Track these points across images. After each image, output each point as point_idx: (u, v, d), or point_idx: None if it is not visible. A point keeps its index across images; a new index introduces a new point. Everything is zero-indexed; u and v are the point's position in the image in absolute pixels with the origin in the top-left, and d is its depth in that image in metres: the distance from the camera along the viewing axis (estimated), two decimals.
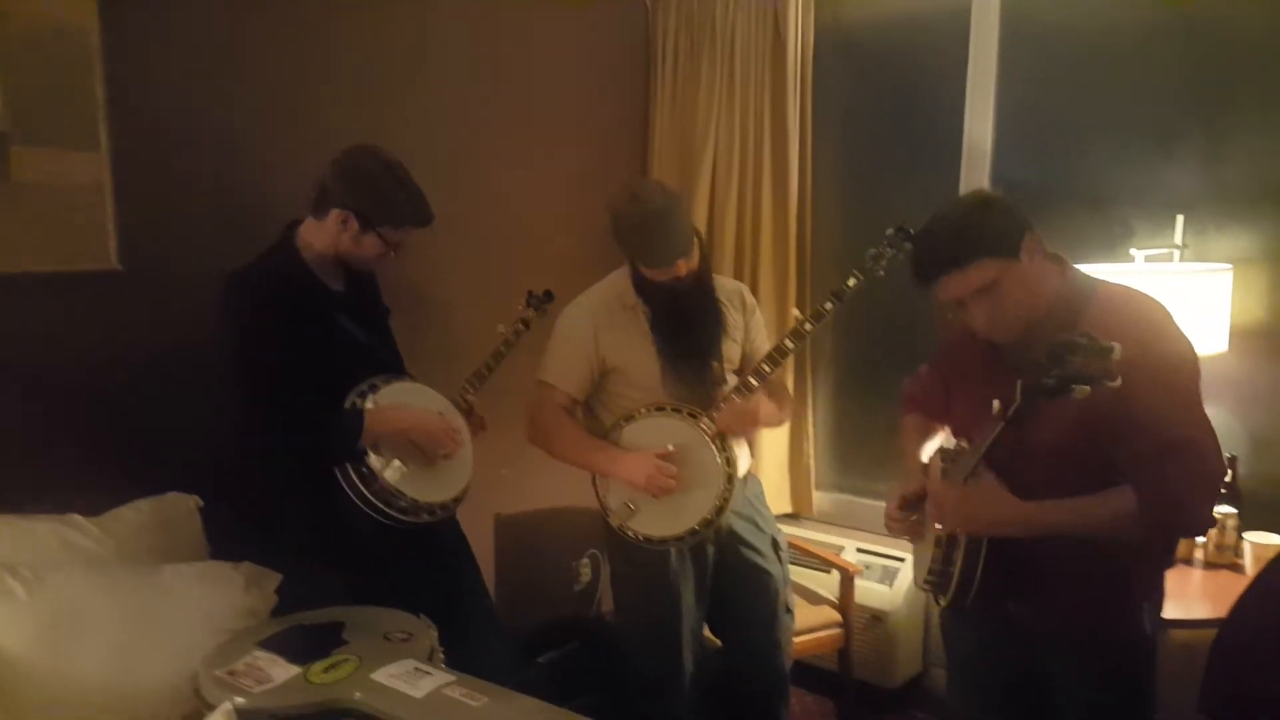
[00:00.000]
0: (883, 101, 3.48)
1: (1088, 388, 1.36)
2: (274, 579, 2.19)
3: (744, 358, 2.53)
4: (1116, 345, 1.35)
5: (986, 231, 1.71)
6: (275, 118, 2.62)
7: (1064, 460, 1.69)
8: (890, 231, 2.37)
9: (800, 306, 3.40)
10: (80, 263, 2.29)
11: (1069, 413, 1.60)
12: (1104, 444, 1.67)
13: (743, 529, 2.54)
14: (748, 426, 2.42)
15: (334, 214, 2.15)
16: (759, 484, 2.70)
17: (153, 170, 2.39)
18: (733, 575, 2.55)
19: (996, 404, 1.58)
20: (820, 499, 3.65)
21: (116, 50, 2.29)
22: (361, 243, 2.18)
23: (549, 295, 2.69)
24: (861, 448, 3.68)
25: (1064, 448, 1.62)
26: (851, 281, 2.34)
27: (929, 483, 1.59)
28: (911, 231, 2.35)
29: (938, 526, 1.84)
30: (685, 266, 2.33)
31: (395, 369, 2.36)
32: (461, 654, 2.47)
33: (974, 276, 1.70)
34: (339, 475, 2.15)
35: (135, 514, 2.23)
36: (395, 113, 2.81)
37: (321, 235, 2.18)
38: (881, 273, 2.37)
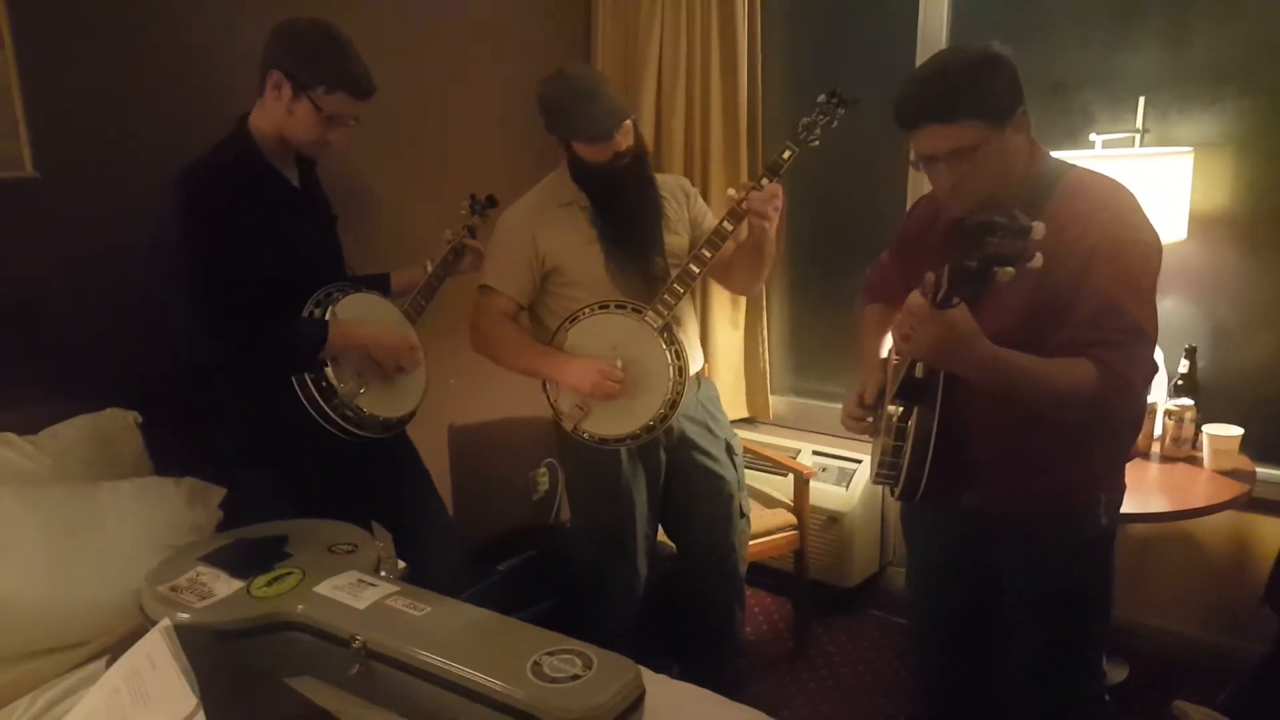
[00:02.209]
0: None
1: (1010, 269, 1.31)
2: (218, 494, 2.16)
3: (694, 245, 2.46)
4: (1038, 224, 1.30)
5: (984, 92, 1.62)
6: (203, 3, 2.47)
7: (1013, 346, 1.64)
8: (822, 98, 2.31)
9: None
10: None
11: (1019, 295, 1.57)
12: (1055, 325, 1.63)
13: (695, 433, 2.52)
14: (772, 210, 2.24)
15: (269, 82, 2.03)
16: (713, 387, 2.67)
17: (66, 66, 2.24)
18: (685, 479, 2.54)
19: (934, 291, 1.54)
20: (776, 403, 3.64)
21: None
22: (295, 112, 2.05)
23: (491, 200, 2.61)
24: (817, 350, 3.67)
25: (1012, 333, 1.58)
26: (786, 154, 2.28)
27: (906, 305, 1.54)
28: (844, 96, 2.29)
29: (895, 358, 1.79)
30: (624, 141, 2.27)
31: (346, 278, 2.29)
32: (419, 562, 2.48)
33: (957, 135, 1.62)
34: (297, 387, 2.09)
35: (73, 431, 2.16)
36: (333, 16, 2.66)
37: (263, 114, 2.08)
38: (815, 143, 2.30)
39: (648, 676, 1.56)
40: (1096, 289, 1.59)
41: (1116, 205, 1.66)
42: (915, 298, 1.50)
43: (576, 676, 1.42)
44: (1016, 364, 1.57)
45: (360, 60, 2.08)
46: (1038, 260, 1.32)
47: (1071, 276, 1.60)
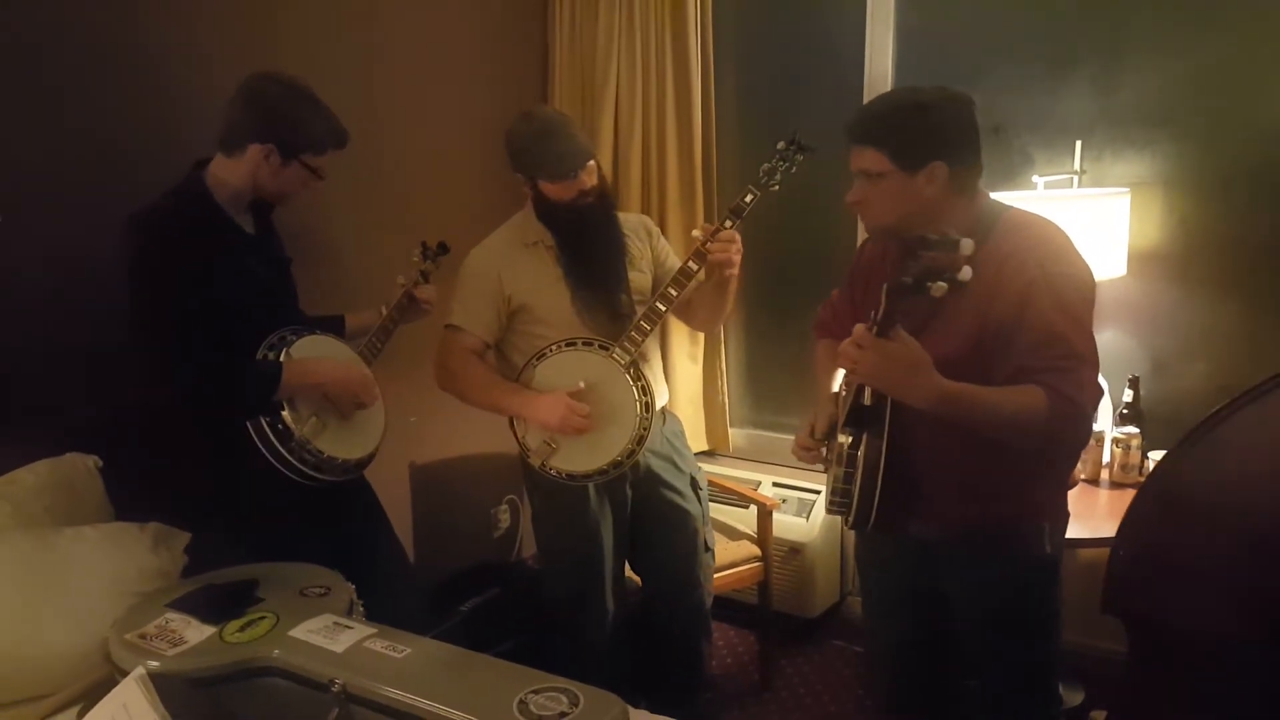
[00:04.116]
0: (784, 30, 3.45)
1: (944, 284, 1.39)
2: (183, 538, 2.13)
3: (657, 283, 2.51)
4: (966, 240, 1.39)
5: (893, 131, 1.74)
6: (156, 44, 2.47)
7: (959, 375, 1.70)
8: (782, 144, 2.37)
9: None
10: None
11: (964, 328, 1.63)
12: (999, 357, 1.70)
13: (661, 468, 2.54)
14: (732, 257, 2.30)
15: (252, 149, 2.06)
16: (678, 423, 2.71)
17: (18, 96, 2.22)
18: (651, 515, 2.56)
19: (874, 314, 1.61)
20: (736, 435, 3.69)
21: None
22: (283, 175, 2.10)
23: (443, 247, 2.63)
24: (774, 383, 3.72)
25: (957, 363, 1.65)
26: (749, 197, 2.33)
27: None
28: (803, 143, 2.36)
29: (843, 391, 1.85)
30: (589, 180, 2.32)
31: (300, 320, 2.29)
32: (378, 607, 2.46)
33: (863, 158, 1.77)
34: (252, 431, 2.07)
35: (32, 477, 2.13)
36: (283, 54, 2.68)
37: (238, 172, 2.09)
38: (776, 187, 2.36)
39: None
40: (1038, 320, 1.66)
41: (1051, 242, 1.75)
42: (859, 327, 1.57)
43: (563, 714, 1.42)
44: (967, 394, 1.63)
45: (329, 109, 2.12)
46: (966, 273, 1.40)
47: (1012, 309, 1.68)
